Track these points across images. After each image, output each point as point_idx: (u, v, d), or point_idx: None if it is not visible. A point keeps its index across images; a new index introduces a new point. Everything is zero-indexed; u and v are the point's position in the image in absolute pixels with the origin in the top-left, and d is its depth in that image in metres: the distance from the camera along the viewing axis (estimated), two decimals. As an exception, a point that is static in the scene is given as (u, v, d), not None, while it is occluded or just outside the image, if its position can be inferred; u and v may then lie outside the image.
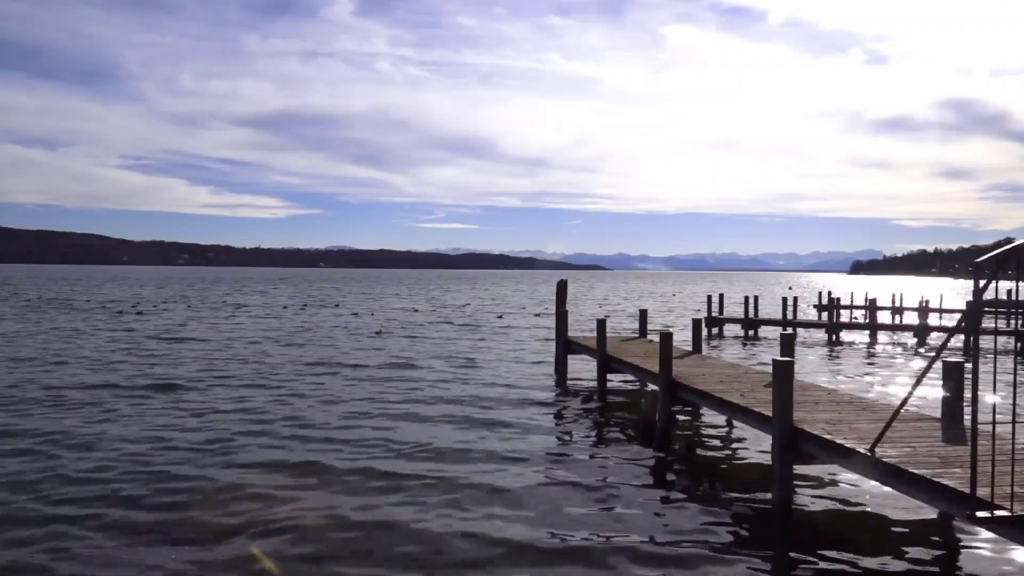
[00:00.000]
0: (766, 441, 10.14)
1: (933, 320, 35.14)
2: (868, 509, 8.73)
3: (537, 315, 46.64)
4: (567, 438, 12.61)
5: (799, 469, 9.01)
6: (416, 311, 48.63)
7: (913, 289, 74.41)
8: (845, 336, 32.68)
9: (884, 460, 6.99)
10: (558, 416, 14.54)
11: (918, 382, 6.59)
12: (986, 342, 26.44)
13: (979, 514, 5.37)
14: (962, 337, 27.29)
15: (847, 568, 7.13)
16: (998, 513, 5.34)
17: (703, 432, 13.10)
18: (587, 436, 12.72)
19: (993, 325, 33.11)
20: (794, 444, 8.48)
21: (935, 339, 30.05)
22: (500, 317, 44.40)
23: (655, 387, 13.19)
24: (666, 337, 12.62)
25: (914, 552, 7.45)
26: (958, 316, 39.46)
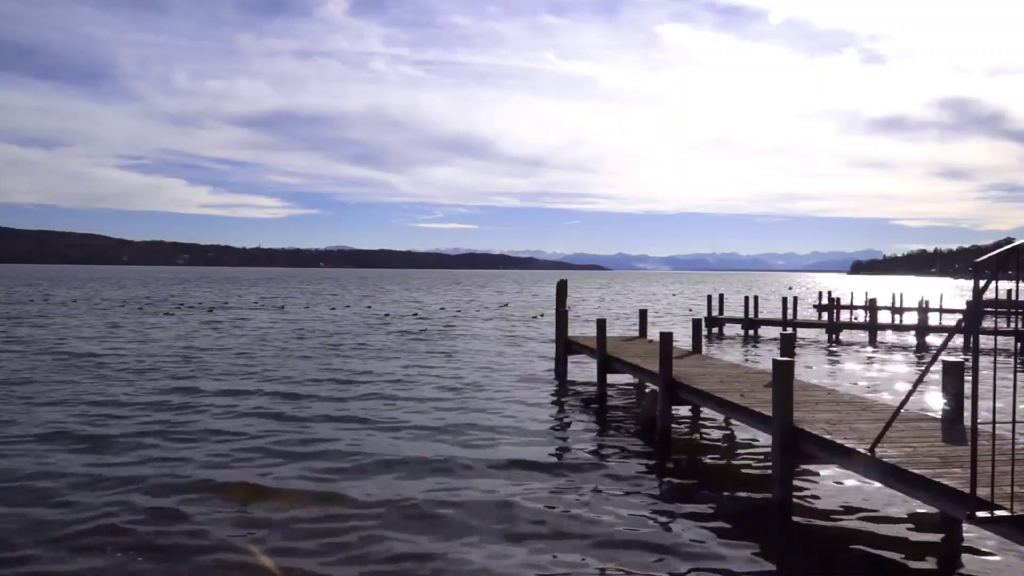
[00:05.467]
0: (766, 441, 10.15)
1: (933, 320, 35.12)
2: (868, 509, 8.71)
3: (536, 317, 46.61)
4: (567, 438, 12.60)
5: (799, 469, 9.02)
6: (458, 313, 48.91)
7: (913, 289, 74.41)
8: (845, 336, 32.67)
9: (884, 460, 6.99)
10: (558, 416, 14.54)
11: (918, 382, 6.58)
12: (986, 342, 26.43)
13: (979, 514, 5.37)
14: (962, 337, 27.28)
15: (847, 568, 7.13)
16: (998, 513, 5.34)
17: (703, 432, 13.10)
18: (587, 436, 12.71)
19: (993, 325, 33.09)
20: (794, 444, 8.48)
21: (935, 339, 30.05)
22: (537, 317, 44.40)
23: (655, 387, 13.19)
24: (666, 337, 12.62)
25: (914, 552, 7.45)
26: (958, 316, 39.45)
